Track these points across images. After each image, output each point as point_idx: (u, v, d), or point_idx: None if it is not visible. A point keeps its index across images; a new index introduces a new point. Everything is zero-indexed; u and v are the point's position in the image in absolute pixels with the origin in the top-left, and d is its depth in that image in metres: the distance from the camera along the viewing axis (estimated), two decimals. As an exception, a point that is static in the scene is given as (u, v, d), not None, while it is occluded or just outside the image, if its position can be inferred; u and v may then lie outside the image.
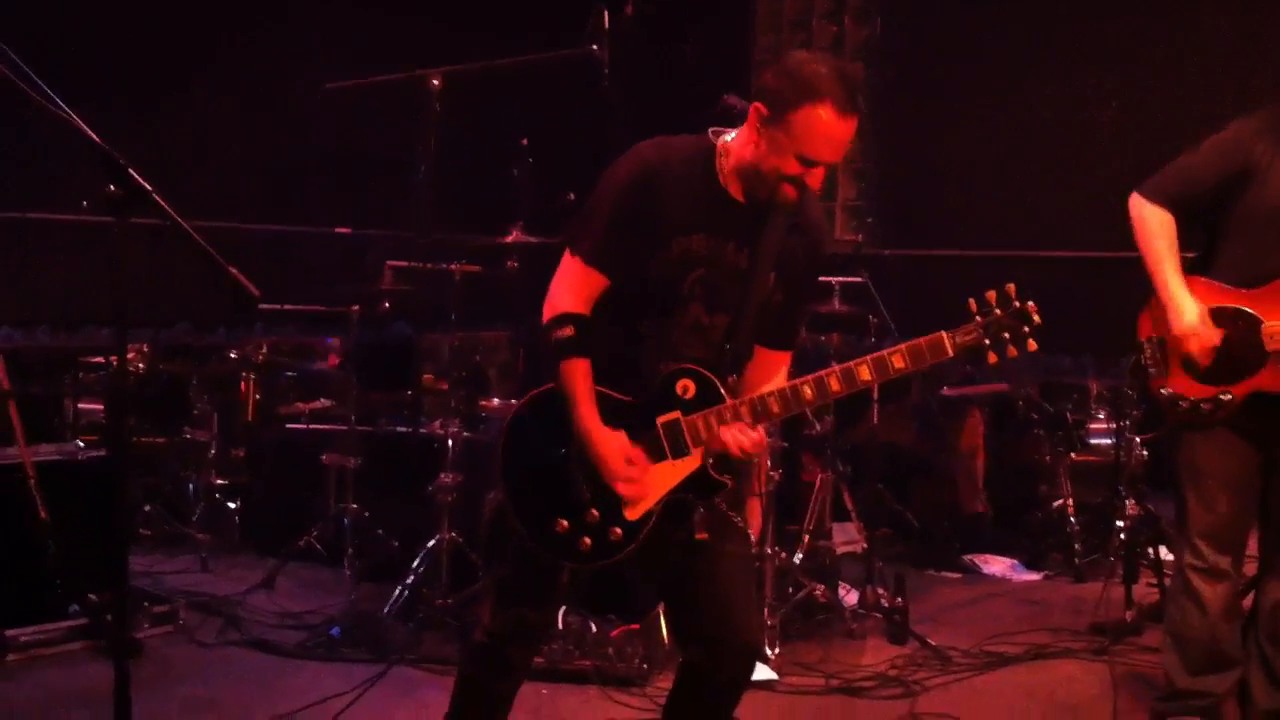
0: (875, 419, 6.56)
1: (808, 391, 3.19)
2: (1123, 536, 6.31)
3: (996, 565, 7.00)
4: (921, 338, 3.13)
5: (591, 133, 6.73)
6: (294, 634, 5.47)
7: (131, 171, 2.76)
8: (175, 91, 7.22)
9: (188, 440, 7.22)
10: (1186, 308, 4.12)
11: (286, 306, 7.15)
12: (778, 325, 3.38)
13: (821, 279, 6.12)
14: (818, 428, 6.34)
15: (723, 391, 3.24)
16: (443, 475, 5.67)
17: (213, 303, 6.72)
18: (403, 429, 6.90)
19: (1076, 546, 6.92)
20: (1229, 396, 4.09)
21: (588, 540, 3.26)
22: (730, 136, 3.28)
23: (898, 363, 3.12)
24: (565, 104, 7.17)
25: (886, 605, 5.79)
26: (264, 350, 7.54)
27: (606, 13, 6.13)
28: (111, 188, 2.76)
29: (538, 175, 5.96)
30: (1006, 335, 3.12)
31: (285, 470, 7.03)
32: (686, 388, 3.24)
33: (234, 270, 2.84)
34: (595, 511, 3.26)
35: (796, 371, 6.25)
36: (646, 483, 3.25)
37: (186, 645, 5.35)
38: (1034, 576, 6.90)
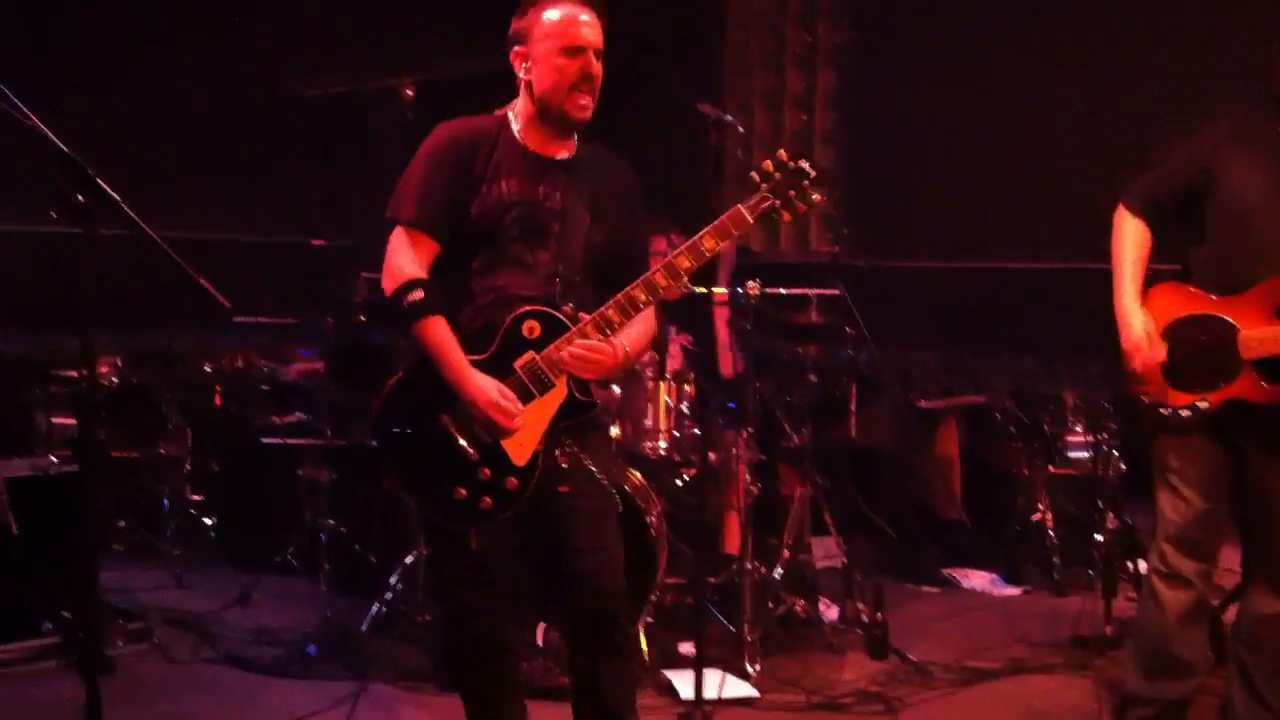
0: (852, 430, 6.54)
1: (640, 294, 3.43)
2: (1102, 550, 6.30)
3: (976, 579, 6.98)
4: (723, 214, 3.42)
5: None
6: (269, 650, 5.40)
7: (100, 181, 2.72)
8: (144, 98, 7.16)
9: (161, 454, 7.15)
10: (1134, 322, 4.14)
11: (261, 319, 7.09)
12: (617, 264, 3.61)
13: (797, 290, 6.14)
14: (796, 440, 6.31)
15: (563, 320, 3.45)
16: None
17: (186, 313, 6.66)
18: (378, 442, 6.83)
19: (1055, 560, 6.90)
20: (1206, 404, 4.07)
21: (488, 499, 3.43)
22: (515, 104, 3.61)
23: (708, 243, 3.40)
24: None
25: (867, 620, 5.76)
26: (238, 363, 7.48)
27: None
28: (79, 197, 2.72)
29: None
30: (792, 193, 3.41)
31: (260, 484, 6.97)
32: (532, 328, 3.45)
33: (205, 281, 2.81)
34: (486, 470, 3.43)
35: (776, 384, 6.24)
36: (524, 426, 3.42)
37: (161, 662, 5.28)
38: (1013, 590, 6.87)
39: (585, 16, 3.51)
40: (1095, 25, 7.37)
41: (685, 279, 3.47)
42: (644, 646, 5.19)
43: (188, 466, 7.05)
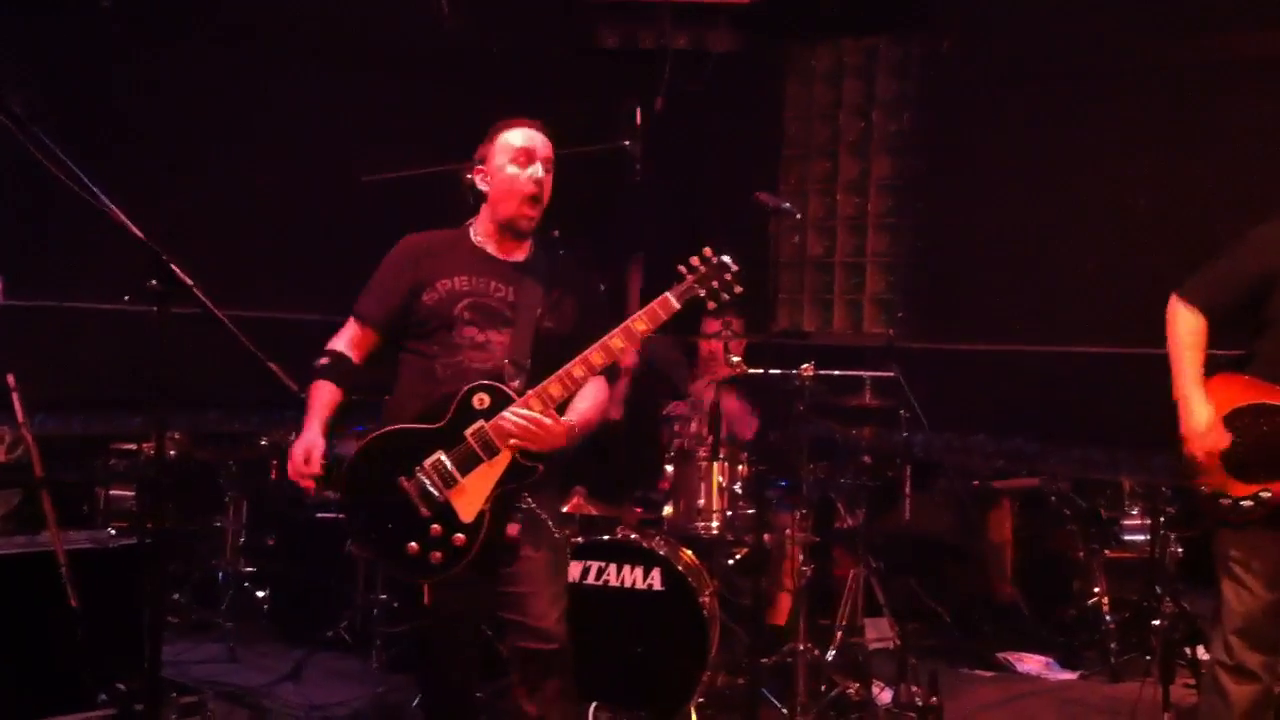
0: (907, 512, 6.51)
1: (577, 370, 3.80)
2: (1159, 635, 6.21)
3: (1031, 663, 6.90)
4: (653, 301, 3.80)
5: (625, 226, 6.76)
6: (321, 727, 5.42)
7: (175, 267, 2.79)
8: (216, 185, 7.28)
9: (217, 526, 7.20)
10: (1196, 410, 4.12)
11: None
12: (569, 349, 3.87)
13: (852, 373, 6.15)
14: (849, 521, 6.29)
15: (510, 393, 3.82)
16: (473, 567, 5.64)
17: (245, 389, 6.73)
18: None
19: (1111, 645, 6.81)
20: (1269, 494, 4.05)
21: (438, 554, 3.78)
22: (476, 220, 4.13)
23: (640, 326, 3.79)
24: (599, 198, 7.23)
25: (921, 705, 5.70)
26: (294, 437, 7.51)
27: (639, 108, 6.19)
28: (154, 282, 2.80)
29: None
30: (715, 284, 3.81)
31: (314, 558, 7.00)
32: (482, 400, 3.82)
33: (273, 365, 2.87)
34: (437, 526, 3.77)
35: (830, 465, 6.23)
36: (472, 487, 3.77)
37: (213, 737, 5.30)
38: (1069, 675, 6.79)
39: (537, 135, 4.09)
40: (1158, 116, 7.35)
41: (630, 352, 3.97)
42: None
43: (243, 539, 7.09)
